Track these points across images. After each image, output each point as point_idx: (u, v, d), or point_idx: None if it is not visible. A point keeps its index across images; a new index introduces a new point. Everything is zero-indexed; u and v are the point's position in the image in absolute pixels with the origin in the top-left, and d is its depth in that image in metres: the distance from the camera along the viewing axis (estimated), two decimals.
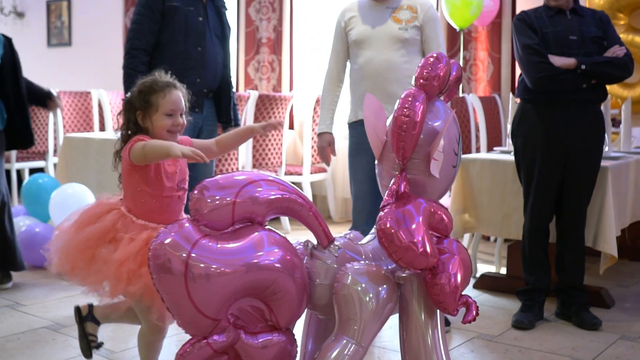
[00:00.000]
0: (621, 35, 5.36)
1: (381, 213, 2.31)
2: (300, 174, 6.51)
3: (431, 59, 2.42)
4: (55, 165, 7.19)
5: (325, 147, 4.02)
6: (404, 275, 2.38)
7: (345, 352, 2.28)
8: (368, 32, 3.89)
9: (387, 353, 3.47)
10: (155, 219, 2.74)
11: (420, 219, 2.29)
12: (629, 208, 4.42)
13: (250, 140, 6.08)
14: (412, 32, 3.84)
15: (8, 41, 4.46)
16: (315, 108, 6.52)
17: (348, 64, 4.04)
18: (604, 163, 4.06)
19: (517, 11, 5.95)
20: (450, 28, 6.12)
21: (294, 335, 2.42)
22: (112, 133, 6.44)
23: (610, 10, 5.53)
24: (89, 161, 5.59)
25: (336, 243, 2.45)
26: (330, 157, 4.05)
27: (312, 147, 6.60)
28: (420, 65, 2.42)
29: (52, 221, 5.14)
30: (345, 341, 2.30)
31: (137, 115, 2.80)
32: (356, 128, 3.94)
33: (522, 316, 3.89)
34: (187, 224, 2.25)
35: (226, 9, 4.41)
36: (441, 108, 2.43)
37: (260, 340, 2.32)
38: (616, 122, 5.20)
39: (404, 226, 2.25)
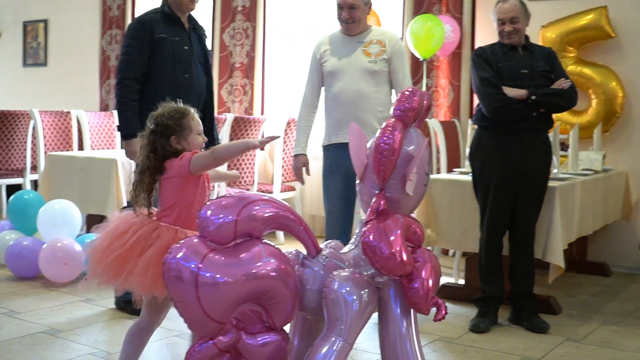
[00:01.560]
0: (571, 67, 5.84)
1: (365, 228, 2.66)
2: (270, 192, 6.80)
3: (407, 93, 2.76)
4: (32, 182, 7.47)
5: (300, 167, 4.39)
6: (382, 280, 2.73)
7: (334, 348, 2.61)
8: (341, 64, 4.29)
9: (359, 353, 3.84)
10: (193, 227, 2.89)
11: (399, 232, 2.64)
12: (576, 224, 4.83)
13: None
14: (381, 64, 4.25)
15: None
16: (286, 130, 6.87)
17: (322, 91, 4.43)
18: (552, 183, 4.48)
19: (476, 43, 6.39)
20: (414, 57, 6.52)
21: (287, 334, 2.74)
22: (94, 152, 6.74)
23: (561, 44, 5.94)
24: (72, 178, 5.87)
25: (323, 253, 2.78)
26: (303, 176, 4.43)
27: (282, 166, 6.95)
28: (397, 98, 2.77)
29: (39, 234, 5.44)
30: (333, 338, 2.63)
31: (171, 140, 3.05)
32: (330, 151, 4.33)
33: (478, 321, 4.29)
34: (195, 240, 2.57)
35: (206, 37, 4.74)
36: (415, 135, 2.78)
37: (259, 339, 2.63)
38: (565, 147, 5.61)
39: (384, 239, 2.60)
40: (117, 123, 4.58)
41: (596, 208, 5.25)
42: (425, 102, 2.82)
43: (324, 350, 2.63)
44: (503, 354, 3.87)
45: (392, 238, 2.61)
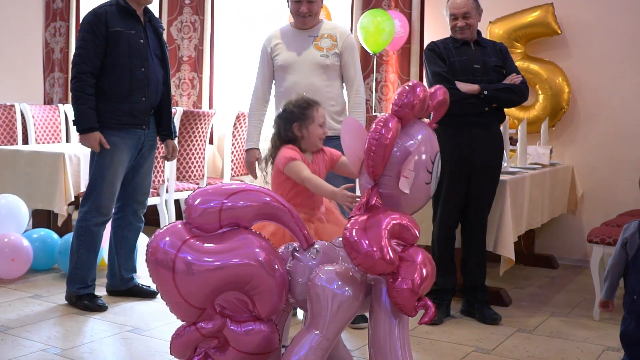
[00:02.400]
0: (518, 63, 5.92)
1: (348, 223, 2.59)
2: None
3: (407, 87, 2.64)
4: None
5: (253, 162, 4.38)
6: (375, 277, 2.66)
7: (313, 343, 2.58)
8: (293, 58, 4.29)
9: None
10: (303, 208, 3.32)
11: (384, 228, 2.54)
12: (525, 217, 4.91)
13: None
14: (332, 58, 4.26)
15: None
16: (235, 124, 6.83)
17: (273, 85, 4.43)
18: (503, 177, 4.54)
19: (425, 38, 6.45)
20: (364, 52, 6.55)
21: (275, 325, 2.72)
22: (39, 146, 6.62)
23: (508, 40, 6.02)
24: (17, 173, 5.76)
25: (316, 246, 2.76)
26: (256, 171, 4.42)
27: (232, 160, 6.93)
28: (397, 92, 2.65)
29: None
30: (313, 333, 2.59)
31: (293, 126, 3.41)
32: None
33: None
34: (179, 226, 2.57)
35: (163, 29, 4.70)
36: (421, 130, 2.69)
37: (244, 328, 2.62)
38: (513, 141, 5.69)
39: (365, 235, 2.52)
40: (72, 117, 4.50)
41: (544, 201, 5.34)
42: (440, 97, 2.74)
43: (303, 344, 2.59)
44: (457, 345, 3.92)
45: (374, 234, 2.52)
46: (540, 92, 6.02)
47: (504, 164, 4.79)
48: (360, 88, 4.32)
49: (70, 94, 4.45)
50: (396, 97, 2.65)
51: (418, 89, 2.63)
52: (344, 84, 4.39)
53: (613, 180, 5.97)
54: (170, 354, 2.69)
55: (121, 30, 4.35)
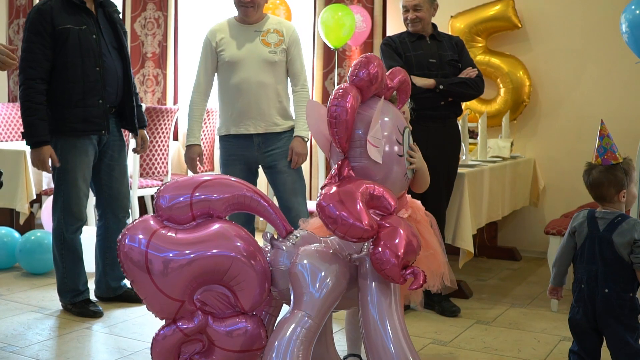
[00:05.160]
0: (479, 57, 5.96)
1: (321, 191, 2.57)
2: None
3: (362, 59, 2.68)
4: None
5: (194, 158, 4.36)
6: (359, 256, 2.61)
7: (298, 324, 2.48)
8: (241, 54, 4.25)
9: None
10: None
11: (358, 195, 2.49)
12: (485, 210, 4.95)
13: None
14: (280, 55, 4.27)
15: None
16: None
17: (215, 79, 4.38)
18: (461, 170, 4.57)
19: (387, 33, 6.46)
20: (326, 47, 6.56)
21: (260, 319, 2.65)
22: (1, 144, 6.56)
23: (470, 34, 6.05)
24: None
25: (295, 233, 2.72)
26: (197, 167, 4.39)
27: None
28: (354, 63, 2.69)
29: None
30: (298, 314, 2.50)
31: None
32: (228, 140, 4.32)
33: None
34: (149, 219, 2.53)
35: (118, 13, 4.41)
36: (386, 106, 2.74)
37: (227, 324, 2.56)
38: (474, 134, 5.73)
39: (338, 200, 2.47)
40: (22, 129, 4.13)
41: (505, 194, 5.38)
42: (400, 75, 2.85)
43: (288, 326, 2.49)
44: (415, 338, 3.93)
45: (347, 199, 2.48)
46: (501, 85, 6.06)
47: (463, 157, 4.82)
48: (305, 82, 4.33)
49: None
50: (352, 68, 2.67)
51: (375, 62, 2.66)
52: (288, 79, 4.39)
53: (574, 172, 5.95)
54: None
55: (70, 27, 4.03)
